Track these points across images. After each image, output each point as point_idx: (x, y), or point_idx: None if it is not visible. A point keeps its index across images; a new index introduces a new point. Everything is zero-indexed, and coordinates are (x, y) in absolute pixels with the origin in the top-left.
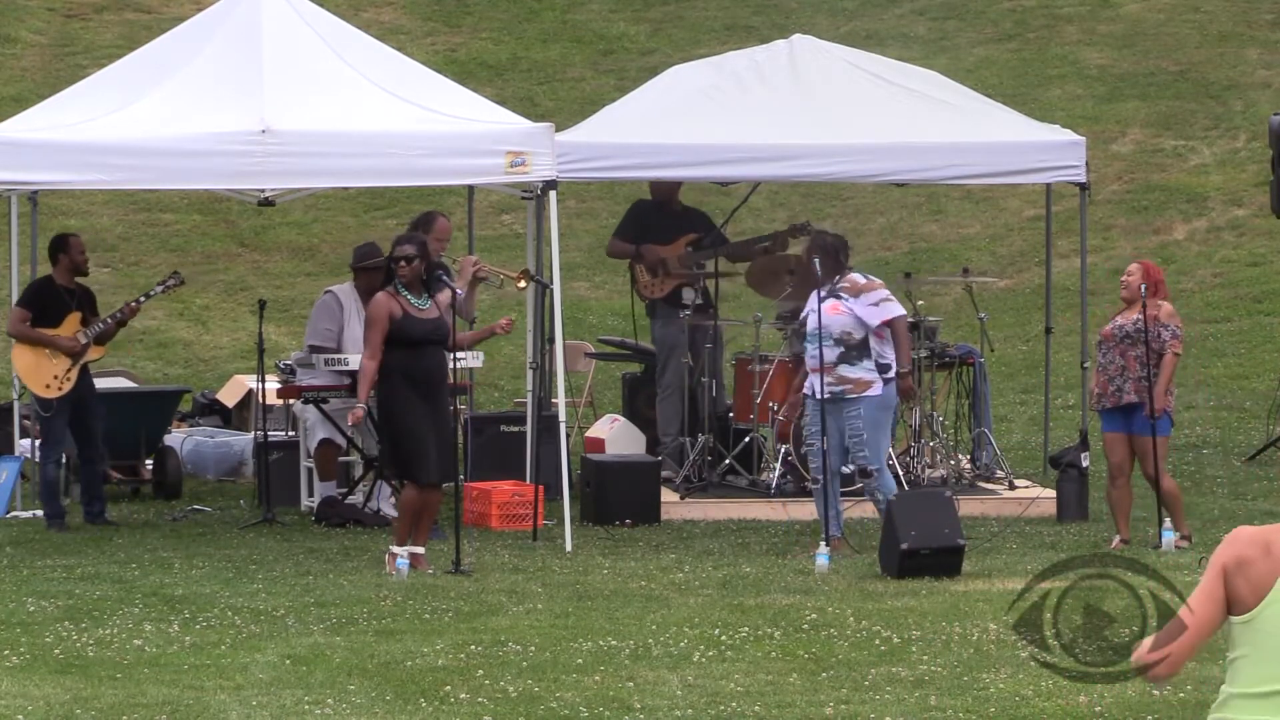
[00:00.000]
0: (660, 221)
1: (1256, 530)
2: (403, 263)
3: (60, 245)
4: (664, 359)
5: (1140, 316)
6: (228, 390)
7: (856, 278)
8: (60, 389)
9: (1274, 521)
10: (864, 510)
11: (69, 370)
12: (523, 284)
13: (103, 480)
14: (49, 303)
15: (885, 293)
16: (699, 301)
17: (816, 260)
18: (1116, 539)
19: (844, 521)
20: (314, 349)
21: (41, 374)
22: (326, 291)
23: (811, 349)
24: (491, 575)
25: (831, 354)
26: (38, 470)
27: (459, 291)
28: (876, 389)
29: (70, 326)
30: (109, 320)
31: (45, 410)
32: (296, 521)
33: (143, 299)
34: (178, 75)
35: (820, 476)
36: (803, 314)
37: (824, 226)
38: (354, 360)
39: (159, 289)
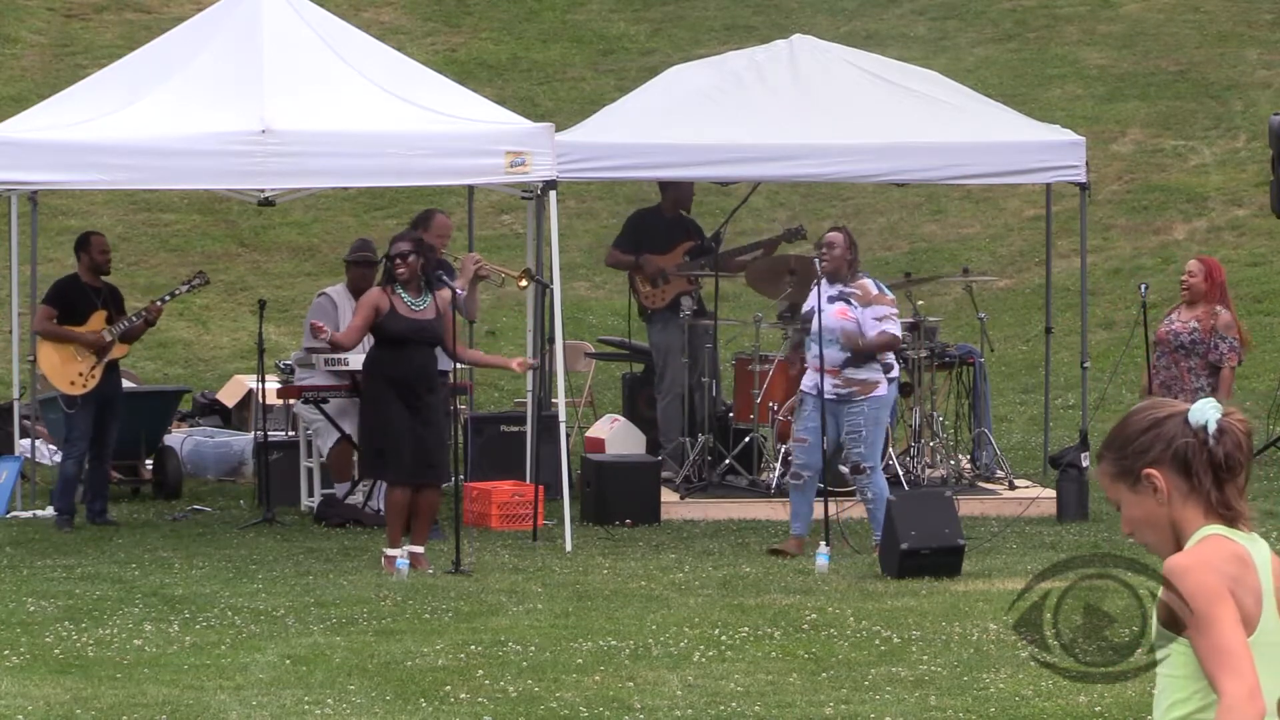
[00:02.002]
0: (657, 230)
1: (1209, 551)
2: (398, 260)
3: (82, 244)
4: (661, 365)
5: (1197, 324)
6: (228, 390)
7: (869, 285)
8: (85, 385)
9: (1275, 521)
10: (864, 510)
11: (94, 367)
12: (524, 283)
13: (107, 480)
14: (73, 300)
15: (893, 310)
16: (694, 308)
17: (818, 260)
18: None
19: (844, 521)
20: (311, 350)
21: (67, 371)
22: (320, 294)
23: (815, 348)
24: (491, 575)
25: (838, 356)
26: (39, 468)
27: (459, 291)
28: (882, 389)
29: (96, 324)
30: (134, 319)
31: (69, 406)
32: (296, 521)
33: (167, 297)
34: (178, 75)
35: (803, 473)
36: (805, 308)
37: (824, 226)
38: (354, 360)
39: (184, 288)
